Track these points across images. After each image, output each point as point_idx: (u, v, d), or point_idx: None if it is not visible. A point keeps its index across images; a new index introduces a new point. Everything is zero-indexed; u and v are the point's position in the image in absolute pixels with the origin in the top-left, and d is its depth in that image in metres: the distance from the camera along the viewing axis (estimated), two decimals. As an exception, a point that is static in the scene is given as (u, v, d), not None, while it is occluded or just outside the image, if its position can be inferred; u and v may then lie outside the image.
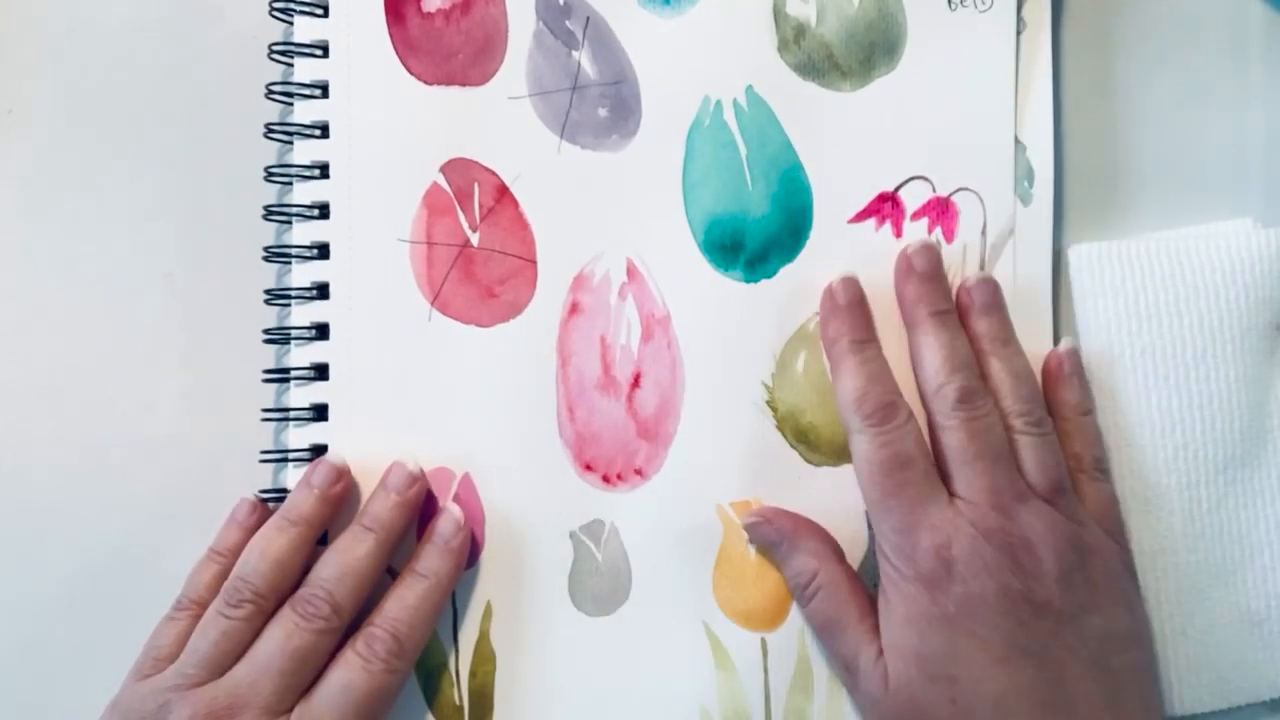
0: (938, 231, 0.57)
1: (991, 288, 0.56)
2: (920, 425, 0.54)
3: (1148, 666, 0.53)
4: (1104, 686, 0.50)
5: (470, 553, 0.56)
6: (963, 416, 0.53)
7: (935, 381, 0.54)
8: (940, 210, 0.57)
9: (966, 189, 0.57)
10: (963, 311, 0.56)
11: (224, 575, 0.53)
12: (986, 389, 0.54)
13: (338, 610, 0.52)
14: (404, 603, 0.53)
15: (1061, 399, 0.56)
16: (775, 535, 0.55)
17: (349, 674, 0.51)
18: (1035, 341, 0.57)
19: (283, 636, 0.51)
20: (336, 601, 0.52)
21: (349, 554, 0.53)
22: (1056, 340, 0.57)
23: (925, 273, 0.56)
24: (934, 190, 0.57)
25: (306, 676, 0.52)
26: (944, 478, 0.53)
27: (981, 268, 0.57)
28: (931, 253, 0.56)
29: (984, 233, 0.57)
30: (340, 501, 0.55)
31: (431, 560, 0.54)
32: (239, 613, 0.52)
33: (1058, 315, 0.58)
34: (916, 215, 0.57)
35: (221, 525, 0.55)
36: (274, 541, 0.53)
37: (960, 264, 0.57)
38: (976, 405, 0.53)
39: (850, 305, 0.56)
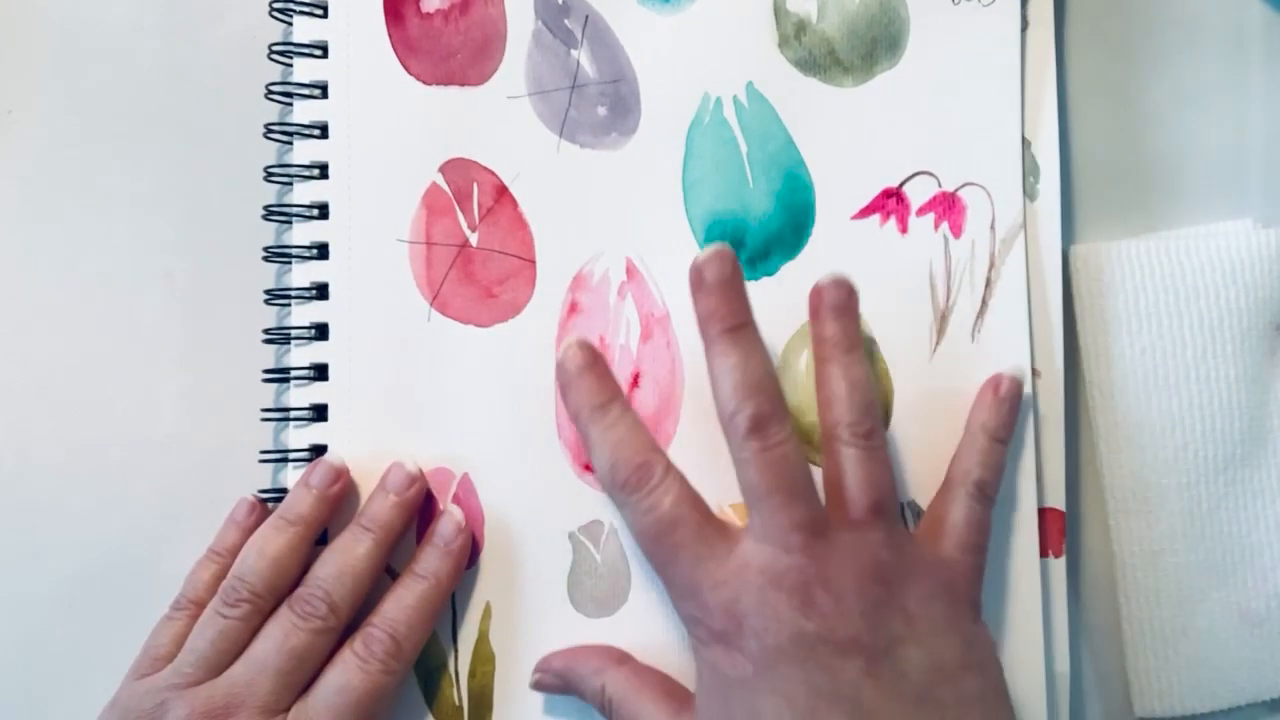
0: (945, 227, 0.57)
1: (845, 290, 0.53)
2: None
3: (994, 694, 0.49)
4: None
5: (471, 553, 0.56)
6: (754, 448, 0.49)
7: (728, 408, 0.50)
8: (947, 205, 0.57)
9: (973, 184, 0.57)
10: (812, 311, 0.54)
11: (223, 575, 0.53)
12: (785, 413, 0.50)
13: (335, 610, 0.52)
14: (402, 603, 0.53)
15: (981, 418, 0.53)
16: (556, 678, 0.54)
17: (346, 674, 0.51)
18: (1045, 336, 0.57)
19: (280, 636, 0.52)
20: (334, 601, 0.52)
21: (348, 554, 0.53)
22: (1068, 335, 0.57)
23: (717, 283, 0.51)
24: (940, 185, 0.57)
25: (304, 676, 0.52)
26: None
27: (992, 263, 0.57)
28: (724, 259, 0.51)
29: (993, 227, 0.57)
30: (338, 501, 0.55)
31: (431, 561, 0.54)
32: (236, 612, 0.52)
33: (1069, 312, 0.57)
34: (922, 210, 0.57)
35: (221, 525, 0.56)
36: (271, 541, 0.53)
37: (969, 259, 0.57)
38: (769, 434, 0.49)
39: (584, 370, 0.53)
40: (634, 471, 0.50)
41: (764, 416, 0.49)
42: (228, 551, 0.55)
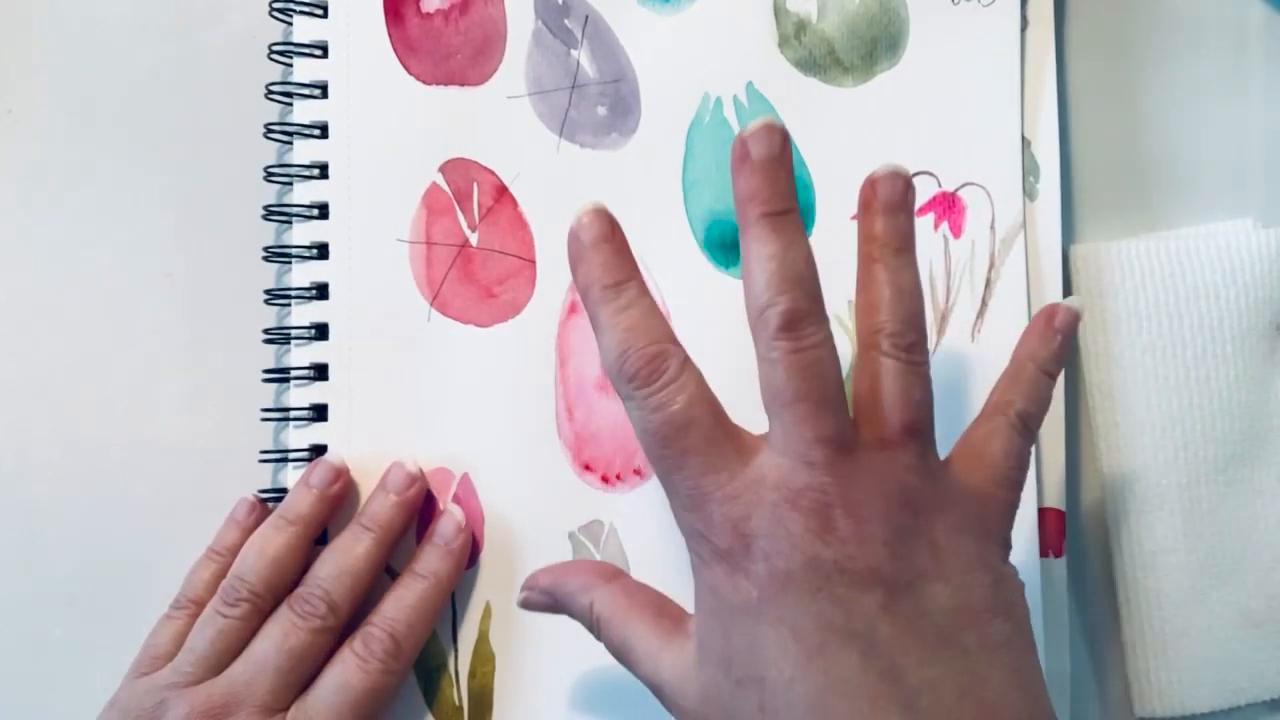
0: (944, 227, 0.57)
1: (902, 184, 0.46)
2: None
3: (1020, 640, 0.43)
4: (956, 670, 0.41)
5: (471, 552, 0.56)
6: (785, 347, 0.43)
7: (759, 301, 0.44)
8: (946, 205, 0.57)
9: (973, 184, 0.57)
10: (863, 205, 0.47)
11: (222, 574, 0.53)
12: (822, 313, 0.44)
13: (335, 609, 0.52)
14: (402, 603, 0.53)
15: (1031, 348, 0.48)
16: (544, 598, 0.50)
17: (346, 674, 0.51)
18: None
19: (280, 635, 0.52)
20: (334, 601, 0.52)
21: (347, 554, 0.53)
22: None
23: (763, 161, 0.44)
24: (939, 185, 0.57)
25: (303, 675, 0.52)
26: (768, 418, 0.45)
27: (992, 263, 0.57)
28: (773, 133, 0.44)
29: (993, 227, 0.57)
30: (338, 501, 0.55)
31: (431, 561, 0.54)
32: (236, 611, 0.52)
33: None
34: (922, 210, 0.57)
35: (221, 525, 0.56)
36: (271, 540, 0.53)
37: (969, 259, 0.57)
38: (804, 333, 0.43)
39: (597, 242, 0.46)
40: (646, 363, 0.44)
41: (800, 313, 0.43)
42: (228, 551, 0.55)
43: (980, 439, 0.47)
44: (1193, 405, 0.56)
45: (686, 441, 0.44)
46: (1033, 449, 0.48)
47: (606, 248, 0.46)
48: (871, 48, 0.58)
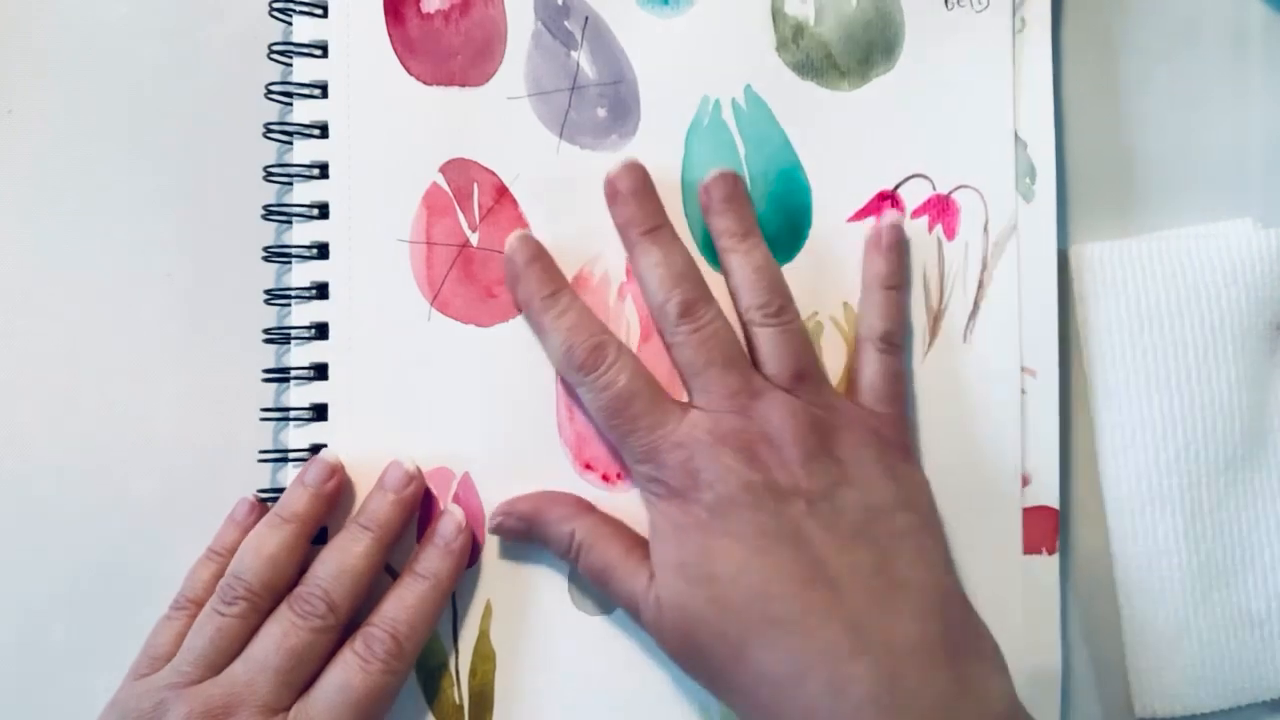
0: (939, 229, 0.57)
1: (729, 181, 0.56)
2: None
3: (924, 529, 0.53)
4: (870, 555, 0.50)
5: (470, 552, 0.56)
6: (687, 329, 0.54)
7: (657, 299, 0.54)
8: (940, 208, 0.57)
9: (967, 186, 0.57)
10: (703, 210, 0.56)
11: (222, 574, 0.53)
12: (709, 296, 0.55)
13: (334, 609, 0.52)
14: (403, 603, 0.53)
15: (872, 270, 0.56)
16: (520, 524, 0.55)
17: (347, 674, 0.51)
18: (1042, 337, 0.57)
19: (279, 635, 0.51)
20: (333, 600, 0.52)
21: (346, 553, 0.53)
22: (1063, 337, 0.58)
23: (630, 192, 0.56)
24: (934, 188, 0.57)
25: (304, 675, 0.52)
26: (686, 385, 0.55)
27: (985, 265, 0.57)
28: (634, 171, 0.56)
29: (986, 229, 0.57)
30: (334, 499, 0.55)
31: (432, 561, 0.54)
32: (234, 610, 0.52)
33: (1064, 312, 0.58)
34: (916, 213, 0.58)
35: (220, 525, 0.56)
36: (267, 539, 0.53)
37: (963, 261, 0.57)
38: (698, 316, 0.54)
39: (530, 261, 0.56)
40: (590, 353, 0.54)
41: (692, 300, 0.54)
42: (227, 551, 0.54)
43: (859, 369, 0.56)
44: (1193, 405, 0.56)
45: (633, 409, 0.53)
46: (902, 360, 0.57)
47: (538, 265, 0.56)
48: (868, 52, 0.58)
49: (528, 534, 0.55)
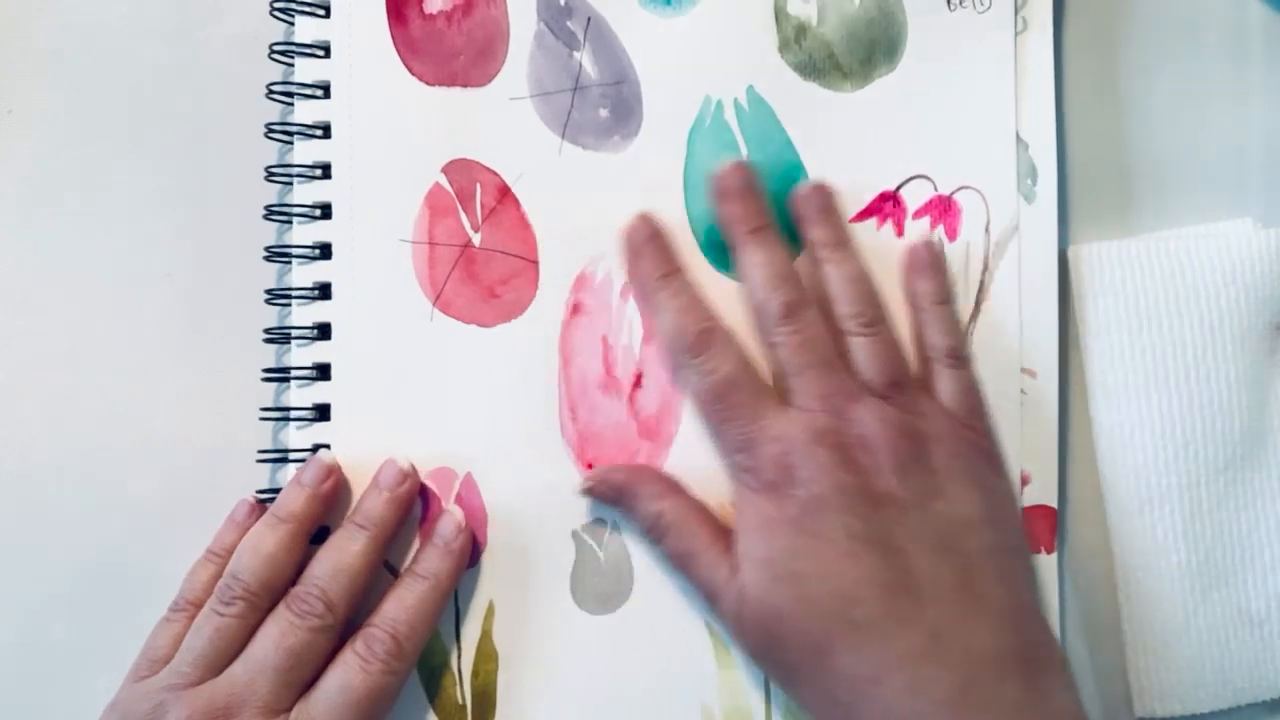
0: (940, 230, 0.57)
1: (822, 194, 0.57)
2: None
3: (1007, 547, 0.53)
4: (954, 569, 0.51)
5: (472, 552, 0.56)
6: (788, 330, 0.54)
7: (758, 298, 0.55)
8: (942, 209, 0.57)
9: (969, 187, 0.58)
10: (797, 220, 0.57)
11: (221, 575, 0.53)
12: (811, 299, 0.55)
13: (332, 608, 0.52)
14: (403, 604, 0.53)
15: (917, 289, 0.57)
16: (611, 491, 0.56)
17: (347, 674, 0.51)
18: (1042, 338, 0.57)
19: (278, 634, 0.51)
20: (330, 599, 0.52)
21: (342, 552, 0.53)
22: (1063, 337, 0.58)
23: (736, 191, 0.56)
24: (935, 189, 0.58)
25: (303, 675, 0.52)
26: (783, 391, 0.54)
27: (986, 265, 0.57)
28: (742, 170, 0.56)
29: (988, 230, 0.58)
30: (331, 499, 0.55)
31: (432, 561, 0.54)
32: (232, 610, 0.52)
33: (1064, 312, 0.58)
34: (918, 214, 0.58)
35: (220, 525, 0.55)
36: (264, 539, 0.53)
37: (964, 261, 0.57)
38: (800, 317, 0.54)
39: (649, 240, 0.56)
40: (699, 336, 0.54)
41: (793, 303, 0.54)
42: (226, 552, 0.54)
43: (935, 389, 0.55)
44: (1193, 405, 0.56)
45: (735, 397, 0.54)
46: (973, 371, 0.57)
47: (657, 244, 0.56)
48: (870, 52, 0.58)
49: (616, 503, 0.56)
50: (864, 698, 0.49)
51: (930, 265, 0.57)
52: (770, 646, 0.52)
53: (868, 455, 0.52)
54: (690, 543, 0.54)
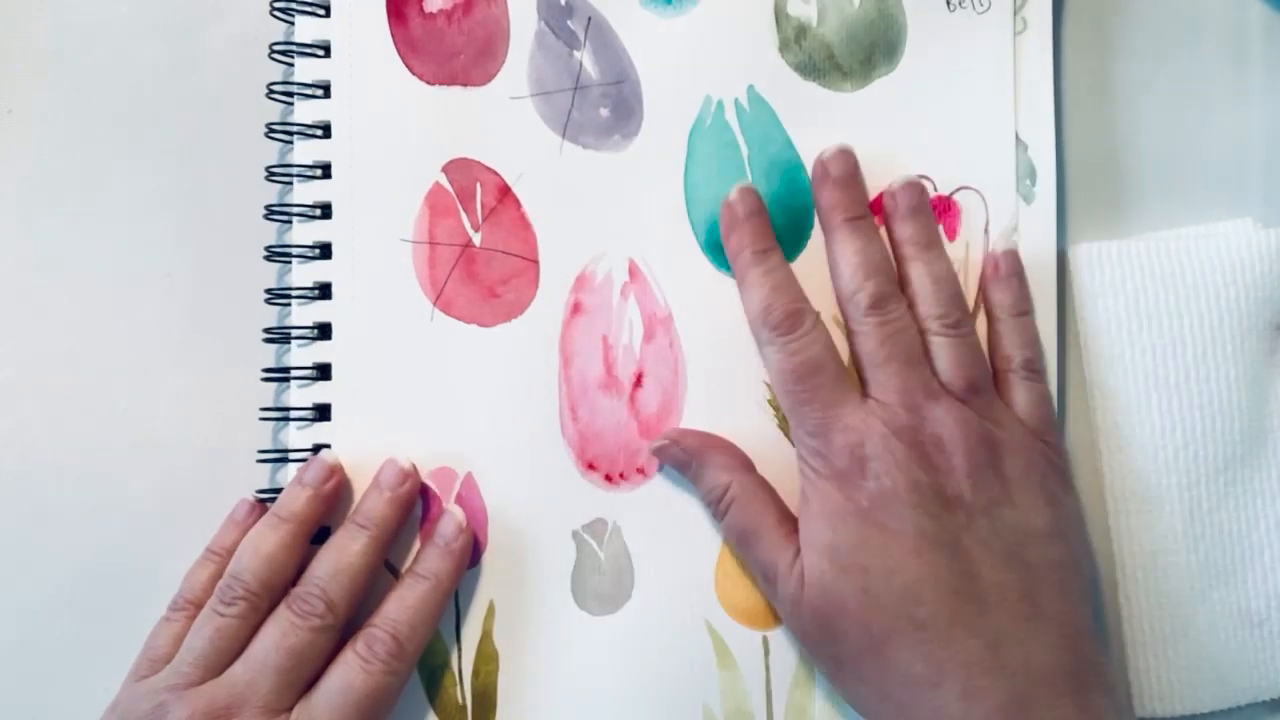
0: (940, 230, 0.57)
1: (916, 191, 0.57)
2: (836, 331, 0.56)
3: (1070, 563, 0.53)
4: (1019, 578, 0.51)
5: (473, 552, 0.56)
6: (874, 321, 0.54)
7: (849, 287, 0.55)
8: (941, 209, 0.57)
9: (968, 188, 0.58)
10: (887, 215, 0.57)
11: (220, 575, 0.53)
12: (900, 293, 0.55)
13: (333, 608, 0.52)
14: (404, 604, 0.53)
15: (996, 300, 0.57)
16: (683, 455, 0.56)
17: (348, 675, 0.51)
18: (1041, 338, 0.57)
19: (279, 634, 0.51)
20: (331, 599, 0.52)
21: (343, 552, 0.53)
22: (1062, 337, 0.58)
23: (840, 178, 0.56)
24: (935, 189, 0.58)
25: (304, 675, 0.52)
26: (860, 381, 0.55)
27: (986, 266, 0.58)
28: (847, 157, 0.57)
29: (987, 230, 0.58)
30: (332, 499, 0.55)
31: (433, 561, 0.54)
32: (233, 610, 0.52)
33: (1062, 312, 0.58)
34: (917, 214, 0.58)
35: (219, 525, 0.55)
36: (265, 539, 0.53)
37: (964, 261, 0.57)
38: (888, 309, 0.54)
39: (750, 215, 0.56)
40: (788, 316, 0.54)
41: (883, 294, 0.54)
42: (226, 551, 0.54)
43: (1007, 400, 0.55)
44: (1193, 405, 0.56)
45: (817, 380, 0.53)
46: (1046, 383, 0.57)
47: (757, 220, 0.56)
48: (870, 53, 0.58)
49: (686, 467, 0.56)
50: (918, 698, 0.49)
51: (1012, 275, 0.57)
52: (827, 636, 0.52)
53: (943, 456, 0.52)
54: (755, 521, 0.54)
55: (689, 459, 0.55)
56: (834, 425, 0.53)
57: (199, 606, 0.53)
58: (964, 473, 0.52)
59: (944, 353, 0.54)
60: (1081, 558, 0.54)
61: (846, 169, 0.56)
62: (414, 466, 0.56)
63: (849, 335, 0.55)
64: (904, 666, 0.50)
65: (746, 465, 0.56)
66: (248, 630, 0.52)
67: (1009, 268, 0.57)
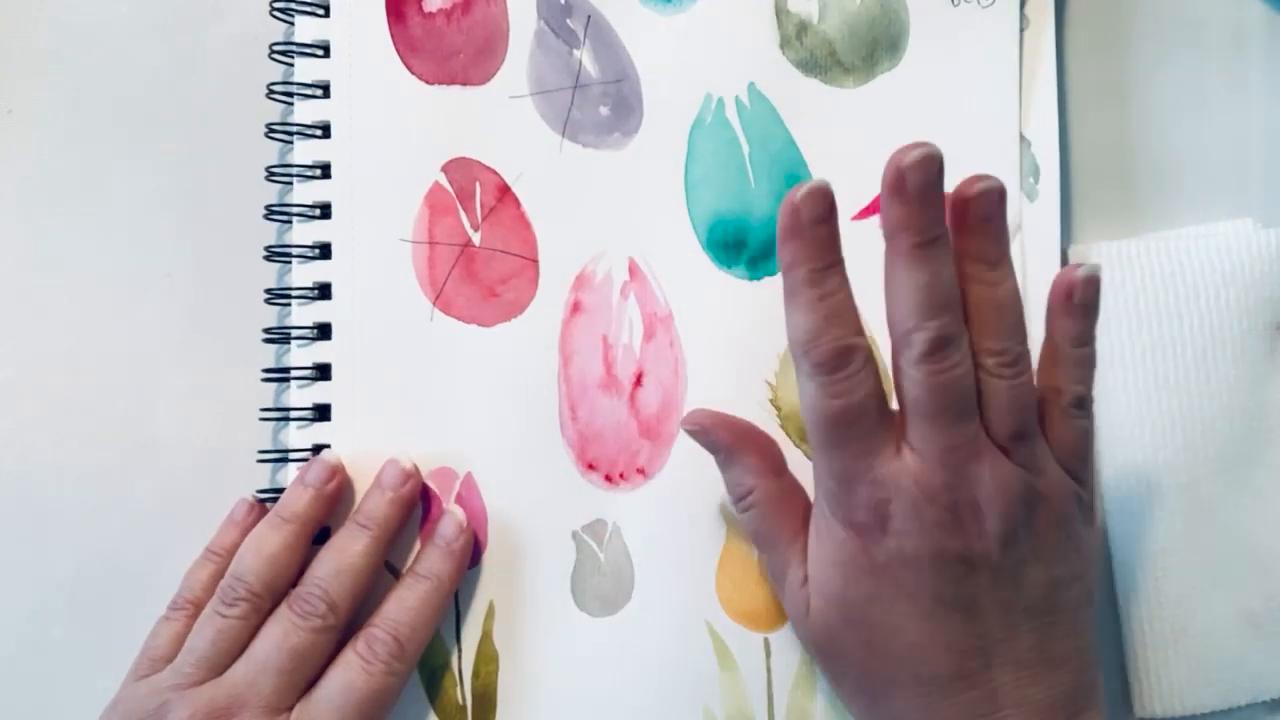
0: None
1: (995, 196, 0.48)
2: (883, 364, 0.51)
3: (1085, 597, 0.50)
4: (1033, 630, 0.49)
5: (473, 552, 0.56)
6: (930, 370, 0.47)
7: (905, 325, 0.47)
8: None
9: (970, 185, 0.57)
10: (955, 222, 0.49)
11: (220, 574, 0.53)
12: (964, 332, 0.48)
13: (334, 608, 0.52)
14: (405, 604, 0.53)
15: (1060, 326, 0.50)
16: (711, 447, 0.54)
17: (349, 674, 0.51)
18: (1041, 336, 0.56)
19: (280, 635, 0.51)
20: (332, 600, 0.52)
21: (344, 552, 0.53)
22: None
23: (918, 192, 0.47)
24: (935, 188, 0.57)
25: (306, 675, 0.52)
26: (900, 417, 0.49)
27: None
28: (932, 165, 0.47)
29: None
30: (334, 499, 0.55)
31: (433, 562, 0.54)
32: (235, 611, 0.52)
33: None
34: (917, 213, 0.57)
35: (219, 525, 0.56)
36: (268, 539, 0.53)
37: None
38: (947, 357, 0.47)
39: (814, 223, 0.48)
40: (835, 354, 0.48)
41: (944, 340, 0.47)
42: (225, 551, 0.54)
43: (1049, 430, 0.50)
44: (1193, 405, 0.56)
45: (854, 428, 0.48)
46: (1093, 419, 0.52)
47: (823, 230, 0.48)
48: (872, 49, 0.58)
49: (712, 451, 0.54)
50: None
51: (1084, 305, 0.50)
52: (826, 665, 0.52)
53: (975, 520, 0.47)
54: (772, 532, 0.53)
55: (717, 452, 0.54)
56: (862, 477, 0.48)
57: (199, 606, 0.53)
58: (996, 536, 0.48)
59: (998, 398, 0.48)
60: (1091, 587, 0.51)
61: (927, 179, 0.47)
62: (415, 467, 0.56)
63: (895, 373, 0.49)
64: (899, 713, 0.49)
65: (776, 469, 0.54)
66: (249, 631, 0.52)
67: (1084, 297, 0.50)
